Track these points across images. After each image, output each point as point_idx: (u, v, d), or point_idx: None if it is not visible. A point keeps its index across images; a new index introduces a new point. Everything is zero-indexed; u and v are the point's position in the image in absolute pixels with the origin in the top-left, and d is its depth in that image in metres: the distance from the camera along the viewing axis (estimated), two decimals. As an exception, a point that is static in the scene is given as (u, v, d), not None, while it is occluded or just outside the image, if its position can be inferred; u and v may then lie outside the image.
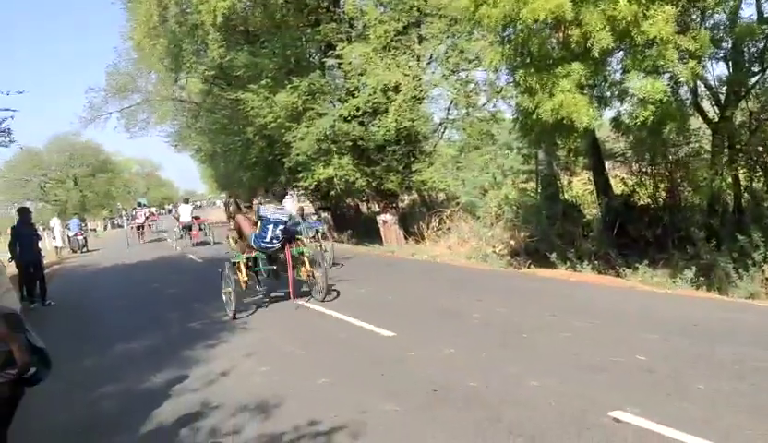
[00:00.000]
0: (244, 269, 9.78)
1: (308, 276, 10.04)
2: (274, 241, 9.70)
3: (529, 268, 12.91)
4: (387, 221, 19.54)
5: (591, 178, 15.80)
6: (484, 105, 19.00)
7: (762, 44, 11.12)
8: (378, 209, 20.25)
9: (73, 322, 10.85)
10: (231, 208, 10.66)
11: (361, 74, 17.59)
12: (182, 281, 12.81)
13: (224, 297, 9.64)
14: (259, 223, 9.76)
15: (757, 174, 12.62)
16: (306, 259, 10.04)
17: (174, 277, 13.58)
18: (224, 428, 4.93)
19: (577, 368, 5.68)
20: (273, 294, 10.53)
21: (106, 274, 18.06)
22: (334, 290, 10.45)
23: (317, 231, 14.65)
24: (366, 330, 7.76)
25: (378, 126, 17.37)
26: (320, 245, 13.99)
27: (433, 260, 15.16)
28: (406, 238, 19.10)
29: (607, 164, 16.05)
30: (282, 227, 9.72)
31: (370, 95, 17.06)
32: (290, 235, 9.97)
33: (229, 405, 5.42)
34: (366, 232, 22.13)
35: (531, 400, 4.97)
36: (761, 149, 12.22)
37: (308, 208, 29.03)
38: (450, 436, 4.42)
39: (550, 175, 16.58)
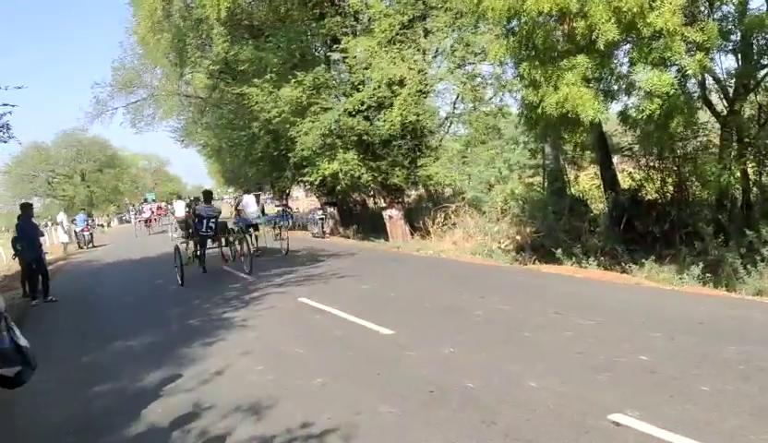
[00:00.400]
0: (189, 251, 13.44)
1: (241, 255, 13.73)
2: (209, 230, 13.27)
3: (534, 264, 12.77)
4: (393, 217, 19.43)
5: (598, 173, 15.64)
6: (490, 99, 18.81)
7: (772, 36, 10.90)
8: (384, 205, 20.14)
9: (74, 319, 10.79)
10: (192, 208, 14.45)
11: (366, 68, 17.45)
12: (185, 277, 12.77)
13: (176, 269, 12.90)
14: (197, 219, 13.30)
15: (766, 169, 12.43)
16: (236, 244, 14.05)
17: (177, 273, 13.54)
18: (215, 430, 4.83)
19: (578, 368, 5.54)
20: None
21: (111, 270, 18.04)
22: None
23: (275, 224, 18.56)
24: (365, 328, 7.64)
25: (384, 121, 17.24)
26: (279, 235, 17.86)
27: (438, 256, 15.05)
28: (412, 233, 19.00)
29: (615, 159, 15.88)
30: (213, 220, 13.27)
31: (375, 89, 16.95)
32: (222, 225, 13.89)
33: (222, 406, 5.32)
34: (373, 227, 22.04)
35: (529, 401, 4.84)
36: (770, 142, 12.02)
37: (314, 202, 29.03)
38: (444, 439, 4.30)
39: (557, 170, 16.45)
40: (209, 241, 13.57)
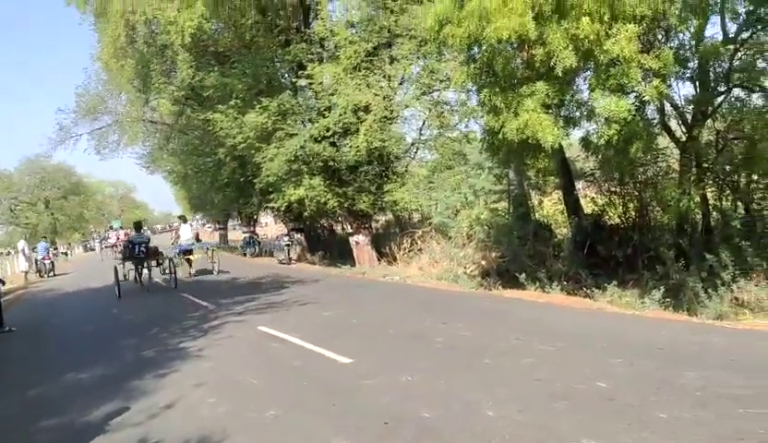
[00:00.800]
0: (124, 270, 16.34)
1: (169, 273, 16.84)
2: (140, 253, 16.20)
3: (498, 289, 12.72)
4: (359, 242, 19.33)
5: (561, 198, 15.73)
6: (456, 125, 18.91)
7: (728, 64, 11.14)
8: (351, 230, 20.03)
9: (27, 350, 10.38)
10: (130, 235, 17.49)
11: (332, 94, 17.46)
12: (143, 306, 12.47)
13: (115, 286, 15.40)
14: (130, 245, 16.40)
15: (725, 193, 12.61)
16: (161, 266, 17.45)
17: (135, 302, 13.25)
18: (159, 467, 4.62)
19: (537, 396, 5.45)
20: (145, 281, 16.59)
21: (70, 299, 17.54)
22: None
23: (207, 249, 21.53)
24: (324, 357, 7.47)
25: (350, 147, 17.21)
26: (211, 258, 20.59)
27: (404, 282, 14.96)
28: (379, 259, 18.89)
29: (579, 184, 16.01)
30: (144, 245, 16.28)
31: (341, 115, 16.93)
32: (153, 250, 16.75)
33: (169, 441, 5.10)
34: (340, 253, 21.90)
35: (486, 431, 4.72)
36: (728, 168, 12.23)
37: (284, 229, 28.78)
38: (397, 473, 4.16)
39: (521, 195, 16.53)
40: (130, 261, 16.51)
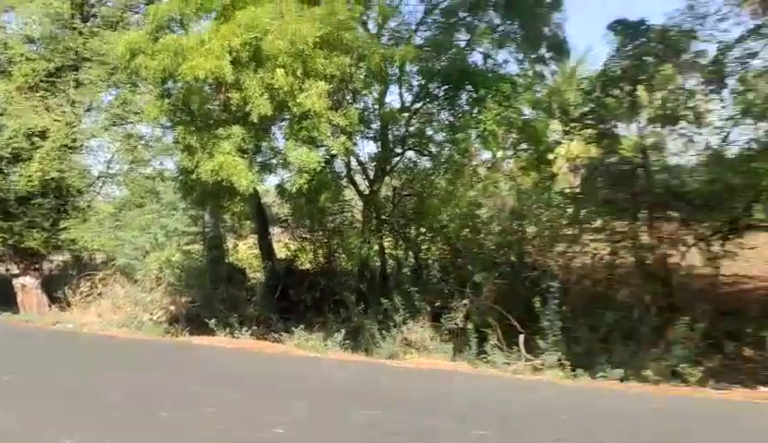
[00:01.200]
0: None
1: None
2: None
3: (186, 335, 12.18)
4: (26, 285, 16.90)
5: (257, 242, 15.86)
6: (150, 161, 17.97)
7: (404, 129, 12.51)
8: (16, 271, 17.42)
9: None
10: None
11: (1, 114, 15.21)
12: None
13: None
14: None
15: (399, 243, 13.99)
16: None
17: None
18: None
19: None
20: None
21: None
22: None
23: None
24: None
25: (20, 175, 15.11)
26: None
27: (79, 330, 13.52)
28: (50, 305, 16.73)
29: (274, 229, 16.32)
30: None
31: (10, 138, 14.81)
32: None
33: None
34: (3, 297, 18.81)
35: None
36: (401, 220, 13.63)
37: None
38: None
39: (216, 238, 16.23)
40: None
